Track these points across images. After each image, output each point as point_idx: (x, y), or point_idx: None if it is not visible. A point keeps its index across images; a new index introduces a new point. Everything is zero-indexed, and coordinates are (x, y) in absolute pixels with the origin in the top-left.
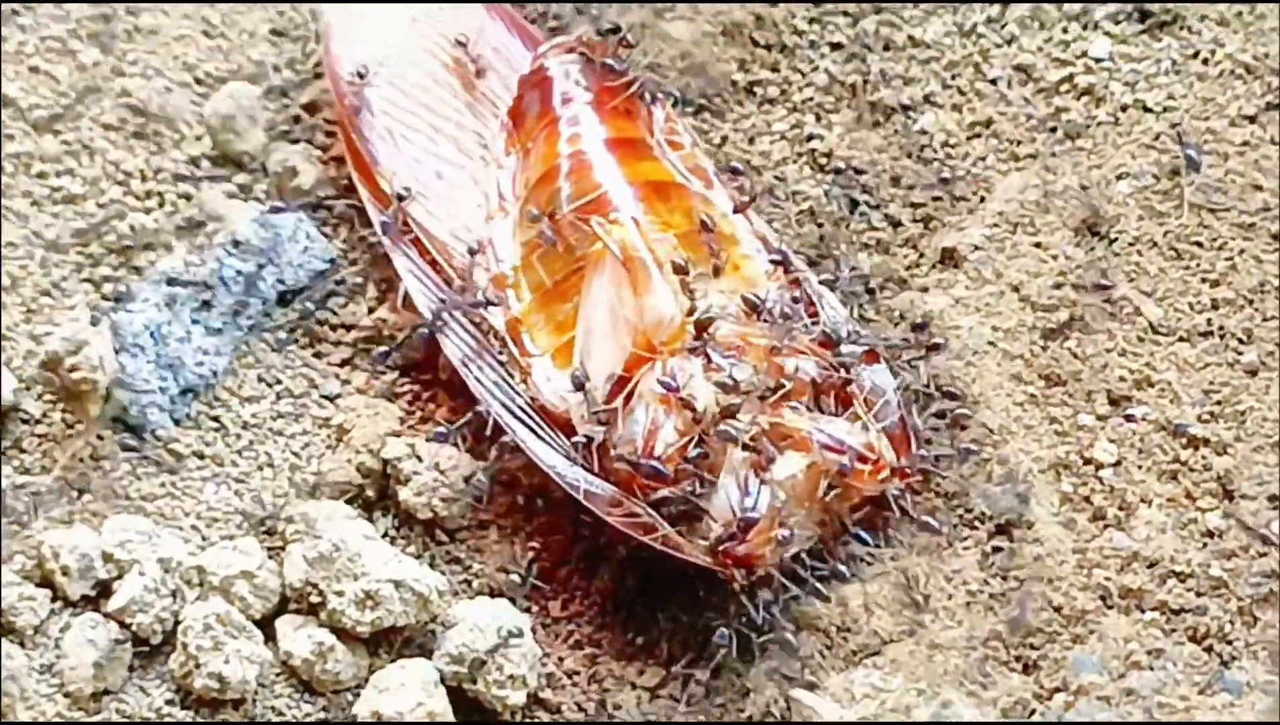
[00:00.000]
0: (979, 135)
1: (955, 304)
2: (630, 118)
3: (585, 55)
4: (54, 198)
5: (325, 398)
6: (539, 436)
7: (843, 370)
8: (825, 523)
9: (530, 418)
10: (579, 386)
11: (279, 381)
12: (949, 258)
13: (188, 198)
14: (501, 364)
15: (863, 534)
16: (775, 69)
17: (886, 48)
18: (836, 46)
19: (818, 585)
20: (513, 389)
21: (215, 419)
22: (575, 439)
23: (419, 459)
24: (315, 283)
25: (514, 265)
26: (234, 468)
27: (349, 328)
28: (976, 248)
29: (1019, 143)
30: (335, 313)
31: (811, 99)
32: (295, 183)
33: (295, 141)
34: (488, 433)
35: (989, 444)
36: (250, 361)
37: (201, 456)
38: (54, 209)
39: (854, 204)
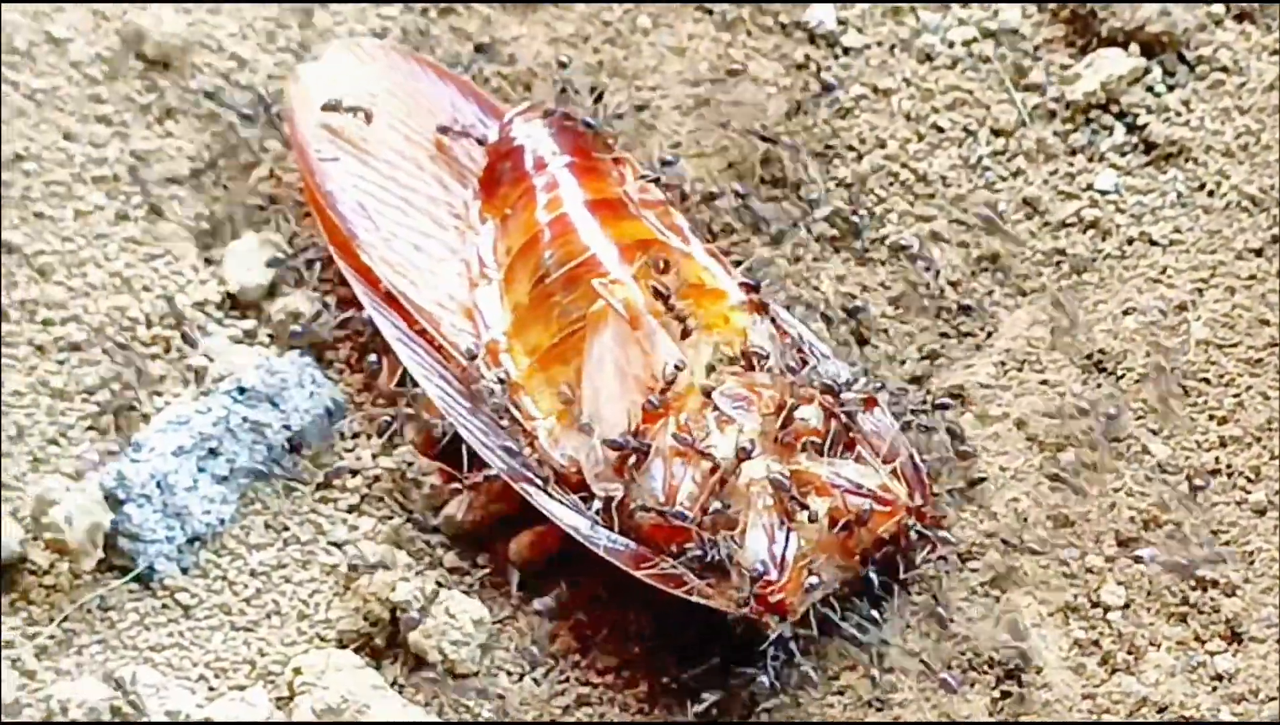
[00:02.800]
0: (986, 270)
1: (959, 440)
2: (605, 178)
3: (558, 119)
4: (59, 345)
5: (333, 544)
6: (555, 498)
7: (845, 416)
8: (845, 567)
9: (541, 480)
10: (588, 431)
11: (286, 528)
12: (955, 396)
13: (193, 344)
14: (504, 430)
15: (882, 578)
16: (779, 201)
17: (892, 183)
18: (842, 183)
19: (853, 630)
20: (519, 456)
21: (223, 567)
22: (595, 498)
23: (429, 603)
24: (322, 427)
25: (505, 331)
26: (242, 616)
27: (356, 473)
28: (983, 386)
29: (1026, 277)
30: (342, 457)
31: (817, 234)
32: (303, 327)
33: (299, 284)
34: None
35: (996, 587)
36: (257, 508)
37: (209, 605)
38: (59, 356)
39: (862, 341)
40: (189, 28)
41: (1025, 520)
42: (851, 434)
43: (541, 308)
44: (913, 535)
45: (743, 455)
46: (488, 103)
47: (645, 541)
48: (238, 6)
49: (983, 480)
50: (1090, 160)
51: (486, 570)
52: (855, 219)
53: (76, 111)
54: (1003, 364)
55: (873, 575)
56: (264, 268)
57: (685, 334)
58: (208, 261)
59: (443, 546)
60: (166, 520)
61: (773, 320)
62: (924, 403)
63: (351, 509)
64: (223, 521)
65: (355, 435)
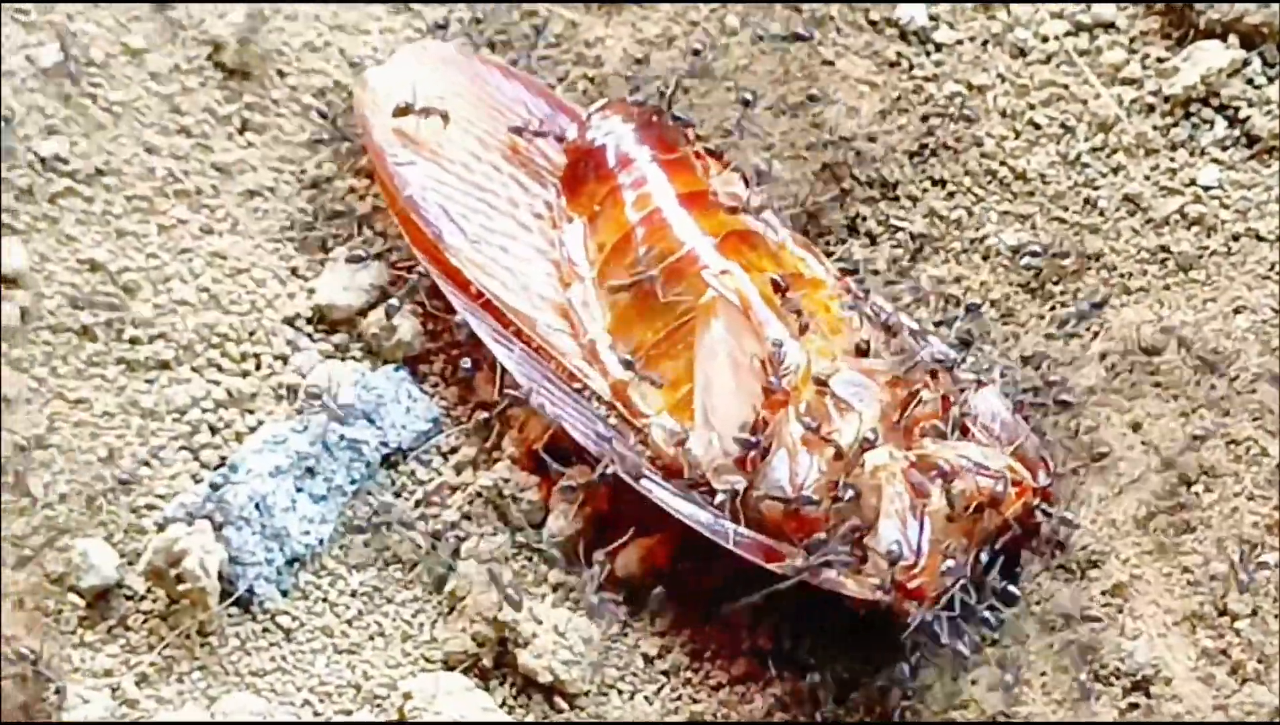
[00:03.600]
0: (1089, 269)
1: (1074, 449)
2: (692, 171)
3: (640, 114)
4: (148, 363)
5: (435, 563)
6: (675, 493)
7: (959, 396)
8: (972, 550)
9: (657, 477)
10: (679, 443)
11: (386, 547)
12: (1063, 402)
13: (284, 360)
14: (614, 428)
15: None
16: (875, 202)
17: (990, 182)
18: (938, 182)
19: (986, 615)
20: (633, 452)
21: (323, 589)
22: (719, 492)
23: (538, 622)
24: (419, 444)
25: (605, 328)
26: (344, 639)
27: (455, 489)
28: (1093, 389)
29: (1130, 276)
30: (441, 473)
31: (915, 234)
32: (397, 341)
33: (392, 298)
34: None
35: (1119, 596)
36: (356, 527)
37: (311, 628)
38: (148, 375)
39: (965, 343)
40: (268, 36)
41: (1145, 527)
42: (966, 417)
43: (643, 304)
44: (1038, 516)
45: (867, 444)
46: (557, 101)
47: (771, 535)
48: (315, 13)
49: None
50: (1191, 155)
51: (593, 585)
52: (953, 219)
53: (156, 124)
54: (1113, 366)
55: (999, 557)
56: (353, 281)
57: (803, 329)
58: (294, 274)
59: (547, 563)
60: (266, 542)
61: (873, 307)
62: (1037, 387)
63: (452, 526)
64: (321, 542)
65: (453, 450)
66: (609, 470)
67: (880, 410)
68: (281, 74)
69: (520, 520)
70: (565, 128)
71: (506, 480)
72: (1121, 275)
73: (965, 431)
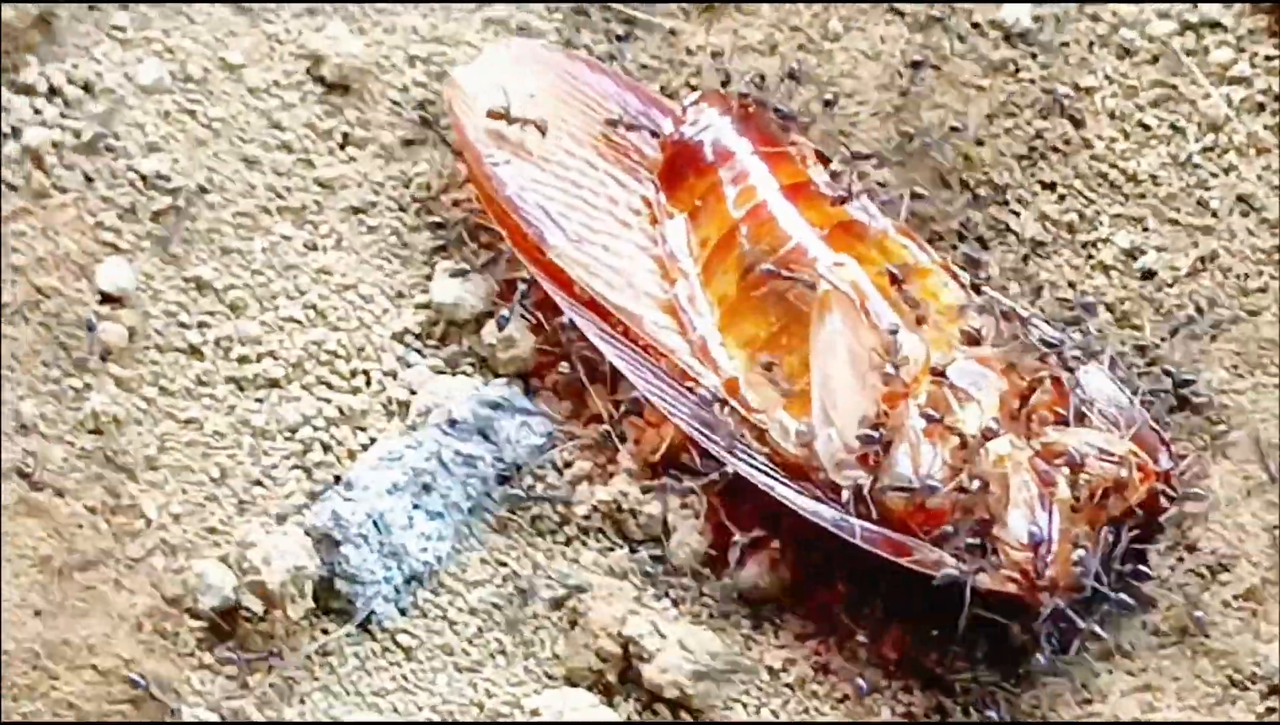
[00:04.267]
0: (1204, 270)
1: (1202, 452)
2: (793, 163)
3: (738, 106)
4: (257, 382)
5: (553, 578)
6: (798, 490)
7: (1072, 378)
8: (1098, 537)
9: (777, 473)
10: (807, 443)
11: (504, 563)
12: (1185, 403)
13: (394, 375)
14: (728, 425)
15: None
16: (984, 206)
17: (1101, 184)
18: (1048, 186)
19: (1123, 597)
20: (748, 448)
21: (442, 607)
22: (842, 487)
23: (661, 636)
24: (534, 458)
25: (714, 325)
26: (465, 657)
27: (572, 503)
28: (1216, 390)
29: (1247, 277)
30: (557, 488)
31: (1027, 239)
32: (510, 354)
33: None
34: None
35: (1252, 600)
36: (473, 544)
37: (431, 647)
38: (258, 393)
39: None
40: (366, 49)
41: (1274, 531)
42: (1082, 401)
43: (753, 299)
44: (1163, 501)
45: (989, 433)
46: (647, 93)
47: (896, 529)
48: (413, 25)
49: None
50: None
51: (715, 598)
52: (1065, 222)
53: (257, 139)
54: (1234, 367)
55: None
56: (461, 293)
57: (921, 320)
58: (401, 289)
59: (668, 575)
60: (384, 560)
61: (980, 292)
62: (1163, 389)
63: (570, 541)
64: (439, 559)
65: (569, 464)
66: (715, 476)
67: (998, 398)
68: (381, 87)
69: (639, 534)
70: (659, 121)
71: (625, 494)
72: (1237, 276)
73: (1081, 417)
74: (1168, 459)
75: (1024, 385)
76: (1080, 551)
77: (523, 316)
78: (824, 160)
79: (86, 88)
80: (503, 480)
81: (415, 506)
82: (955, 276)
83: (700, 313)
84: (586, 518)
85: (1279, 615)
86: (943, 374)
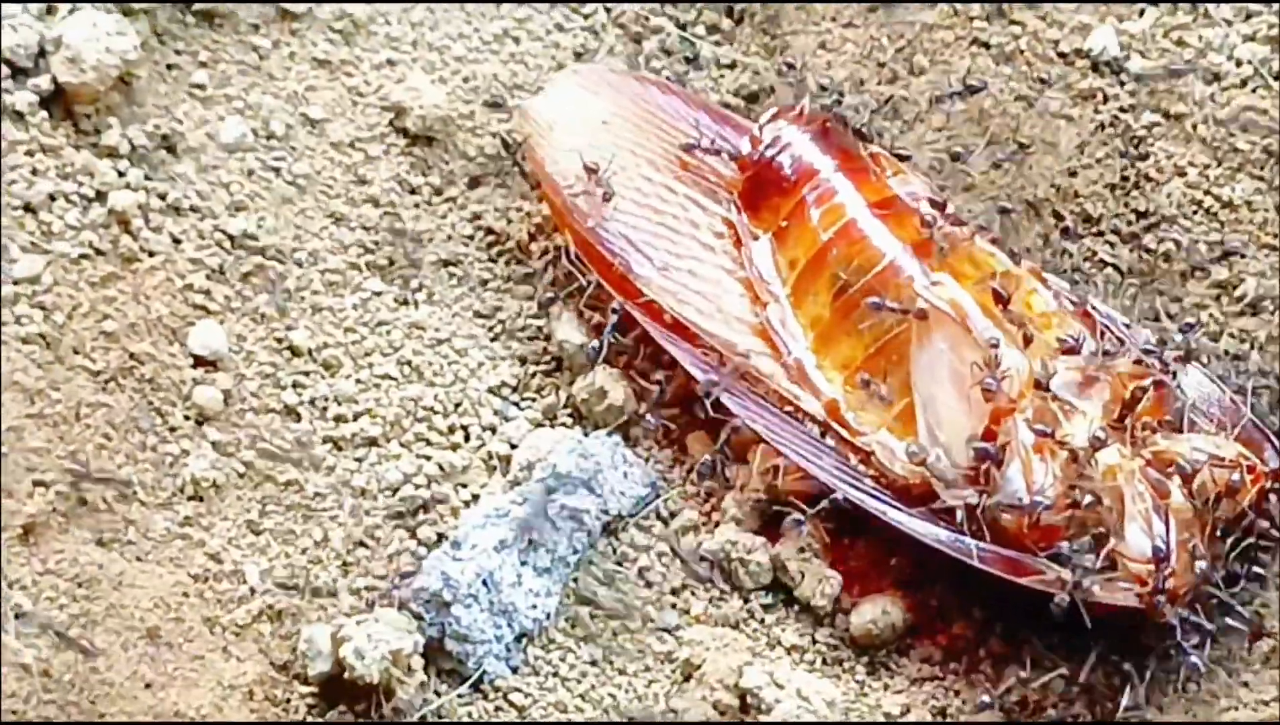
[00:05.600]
0: None
1: None
2: (874, 177)
3: (816, 122)
4: (355, 441)
5: (664, 630)
6: (911, 513)
7: (1171, 380)
8: (1214, 543)
9: (887, 496)
10: (920, 462)
11: (614, 617)
12: None
13: (493, 430)
14: (833, 451)
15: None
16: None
17: (1195, 212)
18: (1143, 215)
19: (1239, 608)
20: (854, 472)
21: (553, 663)
22: (954, 506)
23: (779, 686)
24: (639, 509)
25: (808, 348)
26: (579, 714)
27: (677, 554)
28: None
29: None
30: (662, 539)
31: (1124, 269)
32: (605, 404)
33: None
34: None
35: None
36: (582, 598)
37: (544, 705)
38: (357, 453)
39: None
40: (448, 99)
41: None
42: (1184, 404)
43: (848, 320)
44: (1274, 498)
45: (1097, 444)
46: (720, 113)
47: (1011, 546)
48: (493, 72)
49: None
50: None
51: (828, 644)
52: (1161, 252)
53: (343, 195)
54: None
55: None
56: (558, 338)
57: (1028, 340)
58: (495, 340)
59: (779, 623)
60: (494, 619)
61: (1070, 301)
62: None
63: (678, 591)
64: (549, 615)
65: (674, 514)
66: (837, 497)
67: (1103, 408)
68: (465, 137)
69: (749, 582)
70: (735, 141)
71: (733, 543)
72: None
73: (1187, 421)
74: (1275, 457)
75: (1127, 393)
76: (1200, 562)
77: (620, 366)
78: (900, 169)
79: (170, 148)
80: (608, 532)
81: (523, 563)
82: (1045, 282)
83: (794, 336)
84: (695, 567)
85: None
86: (1047, 387)
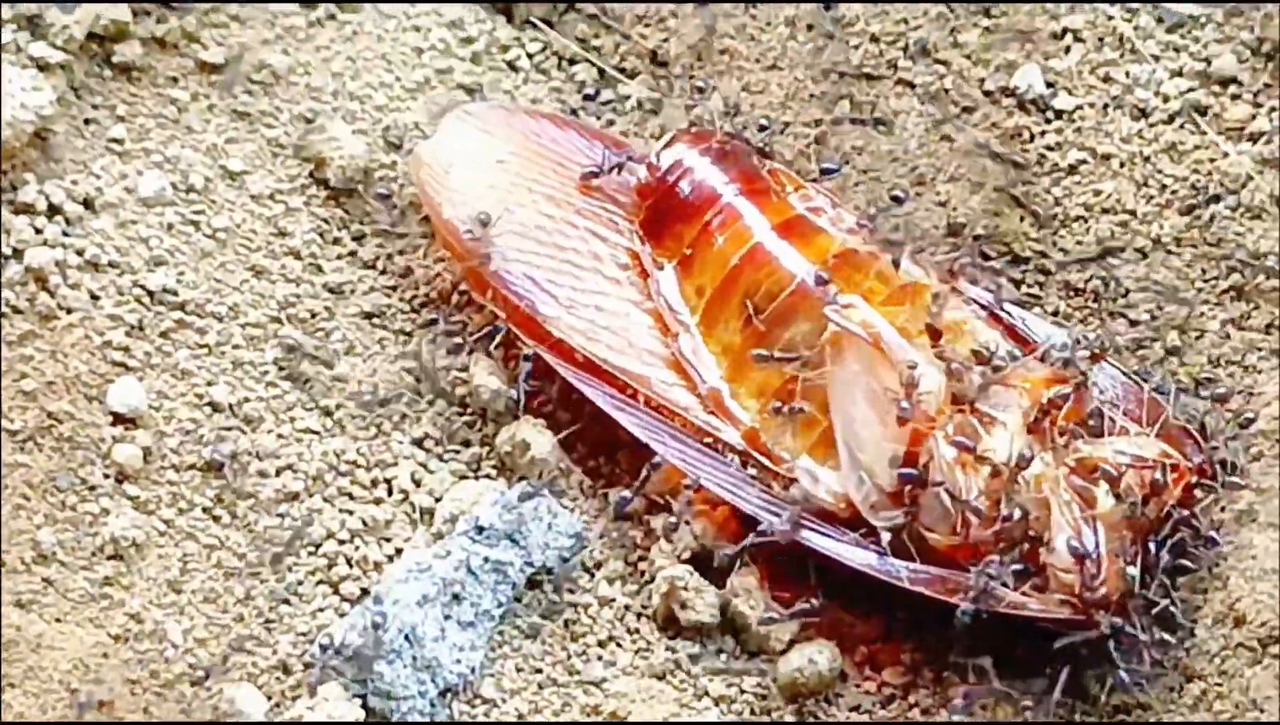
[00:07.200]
0: (1243, 329)
1: (1242, 520)
2: (776, 197)
3: (714, 144)
4: (277, 497)
5: (591, 683)
6: (839, 540)
7: (1085, 380)
8: (1141, 545)
9: (814, 523)
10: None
11: (539, 670)
12: (1231, 468)
13: (417, 483)
14: (755, 480)
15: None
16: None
17: (1124, 249)
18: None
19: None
20: (779, 501)
21: (477, 718)
22: (883, 528)
23: None
24: (565, 560)
25: (723, 377)
26: None
27: (604, 604)
28: (1258, 458)
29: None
30: (588, 591)
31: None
32: (529, 457)
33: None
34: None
35: None
36: (506, 652)
37: None
38: (279, 508)
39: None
40: (368, 150)
41: None
42: (1103, 405)
43: (761, 346)
44: (1199, 494)
45: (1023, 463)
46: (613, 140)
47: (942, 564)
48: (415, 120)
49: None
50: None
51: (755, 694)
52: (1090, 290)
53: (264, 247)
54: (1273, 433)
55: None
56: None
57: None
58: (418, 392)
59: (706, 674)
60: (418, 674)
61: (980, 305)
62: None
63: (604, 643)
64: (474, 669)
65: (599, 564)
66: (764, 528)
67: (1022, 416)
68: (388, 188)
69: (674, 631)
70: (635, 169)
71: (660, 592)
72: (1269, 339)
73: (1103, 418)
74: (1196, 450)
75: (1045, 399)
76: (1130, 567)
77: (543, 416)
78: (801, 185)
79: (87, 204)
80: (533, 585)
81: (447, 617)
82: (957, 290)
83: (707, 365)
84: (621, 618)
85: None
86: (965, 401)
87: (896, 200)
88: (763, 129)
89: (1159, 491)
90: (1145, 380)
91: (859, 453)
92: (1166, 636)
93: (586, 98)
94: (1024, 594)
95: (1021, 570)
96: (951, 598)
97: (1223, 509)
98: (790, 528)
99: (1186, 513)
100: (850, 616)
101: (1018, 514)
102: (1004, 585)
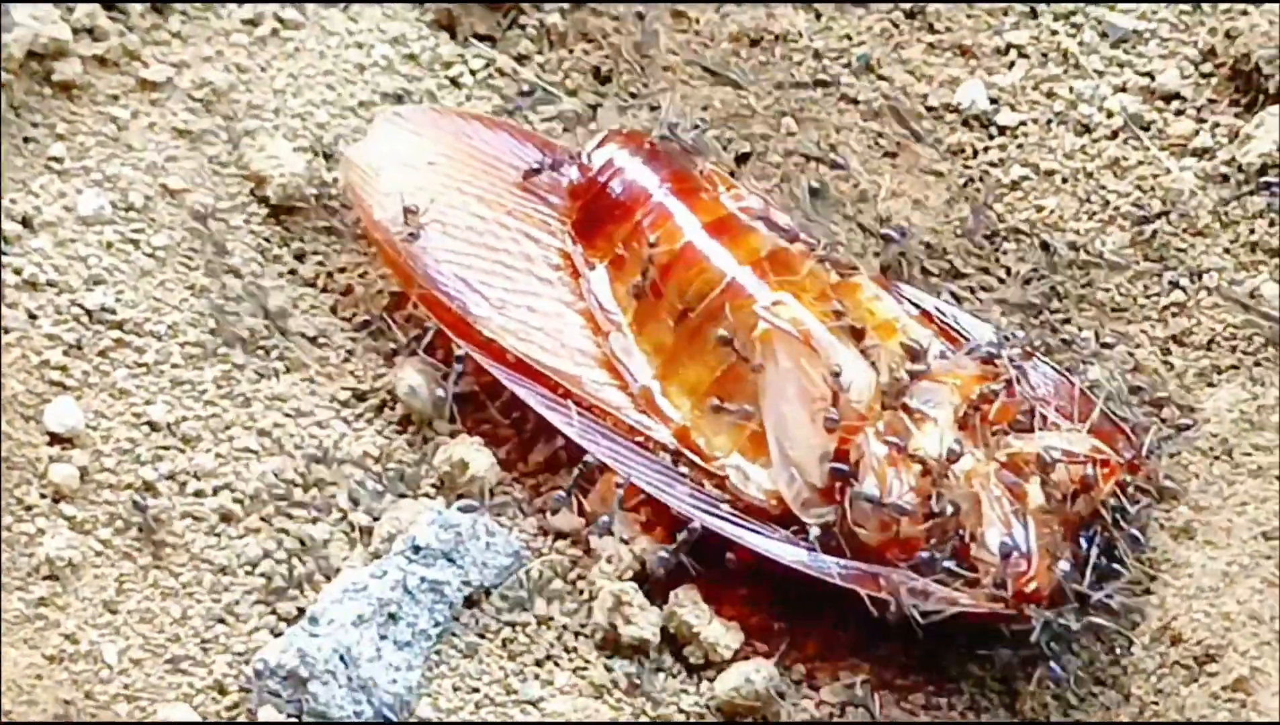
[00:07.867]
0: (1183, 345)
1: (1179, 538)
2: (707, 196)
3: (646, 144)
4: (214, 516)
5: (528, 703)
6: (766, 536)
7: (1019, 377)
8: (1071, 540)
9: (745, 521)
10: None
11: (476, 689)
12: (1165, 492)
13: (355, 502)
14: (686, 477)
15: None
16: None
17: (1070, 265)
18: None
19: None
20: (710, 498)
21: None
22: (813, 525)
23: None
24: (502, 579)
25: (654, 375)
26: None
27: (542, 623)
28: (1196, 476)
29: (1222, 355)
30: (526, 609)
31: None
32: (468, 475)
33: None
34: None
35: (1240, 690)
36: (443, 671)
37: None
38: (216, 528)
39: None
40: (309, 167)
41: (1261, 618)
42: (1035, 401)
43: (693, 344)
44: (1130, 490)
45: (953, 457)
46: (544, 141)
47: (873, 561)
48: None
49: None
50: (1272, 226)
51: (694, 711)
52: (1032, 305)
53: (203, 266)
54: (1211, 451)
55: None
56: (416, 407)
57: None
58: (358, 413)
59: (644, 693)
60: (353, 694)
61: (911, 302)
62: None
63: (542, 662)
64: (410, 689)
65: (537, 583)
66: (695, 527)
67: (952, 412)
68: (329, 207)
69: (612, 650)
70: (567, 169)
71: (599, 610)
72: (1215, 354)
73: (1034, 414)
74: (1127, 447)
75: (976, 395)
76: (1060, 561)
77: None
78: (733, 185)
79: (25, 222)
80: (470, 604)
81: (383, 637)
82: (888, 288)
83: (639, 364)
84: (559, 637)
85: (1270, 705)
86: (895, 398)
87: (888, 239)
88: (695, 127)
89: (1089, 486)
90: (1078, 377)
91: (790, 449)
92: (1102, 621)
93: (522, 94)
94: (955, 589)
95: (953, 566)
96: (882, 593)
97: (1161, 526)
98: (712, 517)
99: (1116, 508)
100: (790, 633)
101: (949, 510)
102: (935, 580)
